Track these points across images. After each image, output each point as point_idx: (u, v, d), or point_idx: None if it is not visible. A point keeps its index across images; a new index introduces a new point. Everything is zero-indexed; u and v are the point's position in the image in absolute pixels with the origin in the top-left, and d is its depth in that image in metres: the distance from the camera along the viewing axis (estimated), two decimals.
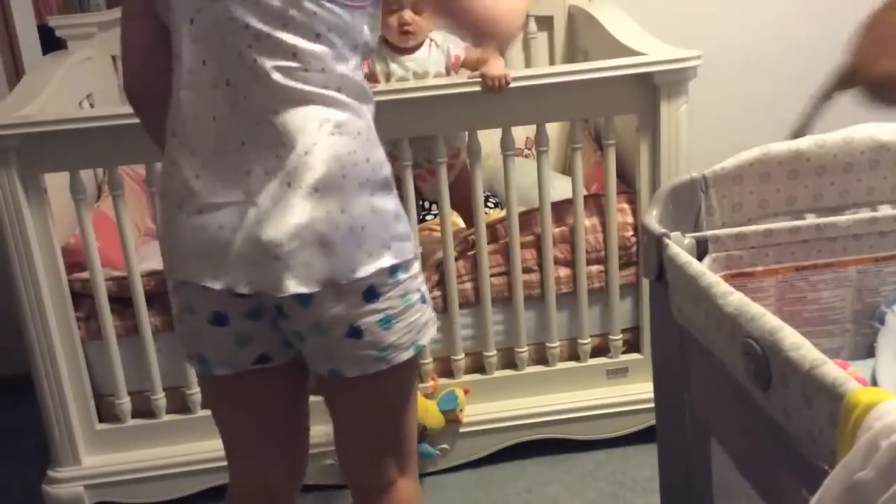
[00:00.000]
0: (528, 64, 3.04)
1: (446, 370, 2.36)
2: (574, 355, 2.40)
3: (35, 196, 2.08)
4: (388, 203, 1.36)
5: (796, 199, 1.61)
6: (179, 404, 2.30)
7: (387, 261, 1.34)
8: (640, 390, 2.33)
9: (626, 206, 2.31)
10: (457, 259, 2.29)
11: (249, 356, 1.42)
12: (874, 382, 1.55)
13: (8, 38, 2.82)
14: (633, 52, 2.22)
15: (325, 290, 1.31)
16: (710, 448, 1.34)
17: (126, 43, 1.45)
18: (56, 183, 2.15)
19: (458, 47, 2.41)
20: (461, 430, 2.34)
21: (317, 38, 1.31)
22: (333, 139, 1.31)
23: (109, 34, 2.75)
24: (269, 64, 1.29)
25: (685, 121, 2.17)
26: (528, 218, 2.31)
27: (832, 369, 0.95)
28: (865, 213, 1.60)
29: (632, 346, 2.41)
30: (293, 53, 1.30)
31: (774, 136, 1.65)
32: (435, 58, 2.36)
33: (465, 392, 2.33)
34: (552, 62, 3.03)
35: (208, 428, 2.20)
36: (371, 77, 2.29)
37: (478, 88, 2.08)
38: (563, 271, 2.32)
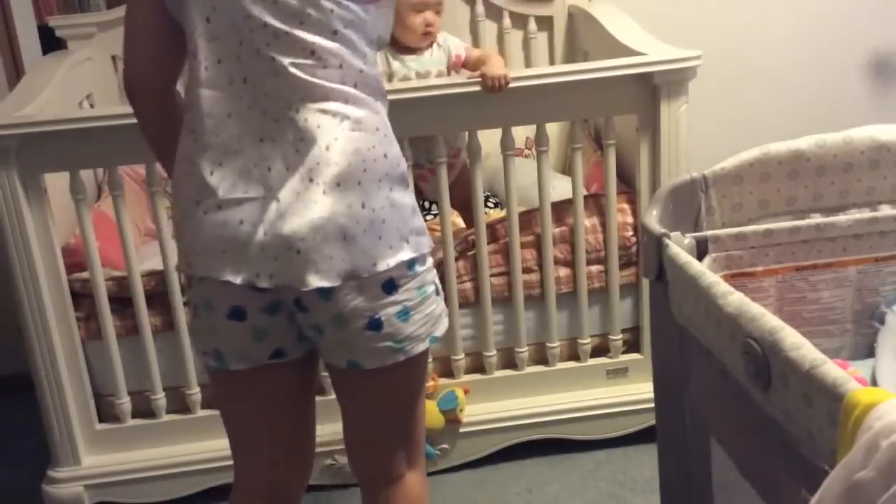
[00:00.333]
0: (528, 64, 3.03)
1: (446, 370, 2.35)
2: (574, 355, 2.40)
3: (35, 196, 2.08)
4: (406, 198, 1.39)
5: (796, 199, 1.61)
6: (179, 404, 2.30)
7: (406, 254, 1.36)
8: (640, 390, 2.33)
9: (626, 206, 2.31)
10: (457, 259, 2.29)
11: (265, 351, 1.44)
12: (874, 382, 1.55)
13: (8, 38, 2.82)
14: (633, 52, 2.22)
15: (345, 283, 1.33)
16: (710, 448, 1.34)
17: (129, 34, 1.45)
18: (56, 183, 2.15)
19: (458, 47, 2.41)
20: (461, 430, 2.34)
21: (334, 34, 1.32)
22: (354, 135, 1.33)
23: (109, 34, 2.75)
24: (287, 61, 1.31)
25: (685, 121, 2.17)
26: (528, 218, 2.31)
27: (832, 369, 0.95)
28: (865, 213, 1.60)
29: (632, 346, 2.41)
30: (311, 51, 1.31)
31: (774, 135, 1.65)
32: (437, 58, 2.37)
33: (465, 392, 2.33)
34: (552, 62, 3.03)
35: (208, 428, 2.23)
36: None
37: (478, 88, 2.08)
38: (563, 271, 2.32)
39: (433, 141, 2.16)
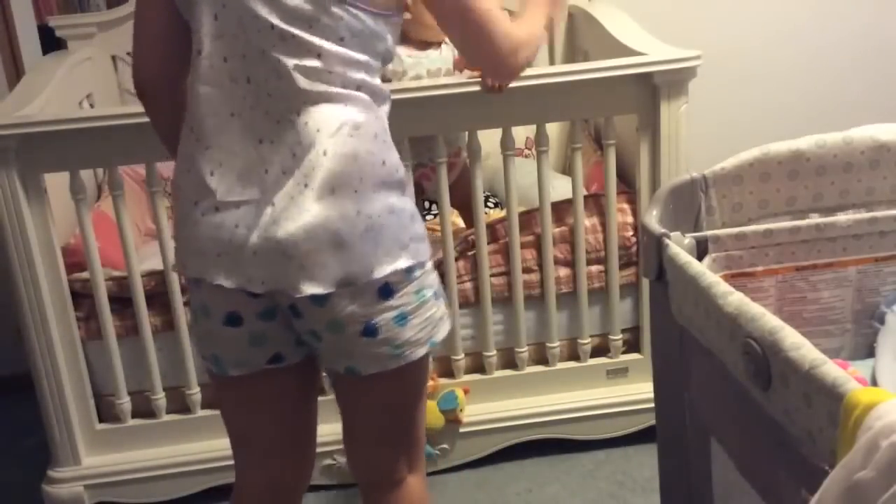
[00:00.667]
0: None
1: (446, 370, 2.35)
2: (574, 355, 2.40)
3: (35, 196, 2.08)
4: (405, 204, 1.38)
5: (796, 199, 1.61)
6: (179, 404, 2.30)
7: (404, 262, 1.35)
8: (640, 390, 2.33)
9: (626, 206, 2.31)
10: (457, 259, 2.29)
11: (263, 356, 1.43)
12: (874, 382, 1.55)
13: (8, 38, 2.82)
14: (633, 52, 2.22)
15: (340, 290, 1.32)
16: (710, 448, 1.34)
17: (139, 30, 1.45)
18: (56, 183, 2.15)
19: None
20: (461, 430, 2.34)
21: (340, 41, 1.32)
22: (352, 140, 1.32)
23: (109, 34, 2.75)
24: (291, 63, 1.30)
25: (685, 121, 2.17)
26: (528, 218, 2.31)
27: (832, 369, 0.95)
28: (865, 213, 1.60)
29: (632, 346, 2.41)
30: (318, 54, 1.31)
31: (774, 135, 1.65)
32: (445, 55, 2.37)
33: (465, 392, 2.33)
34: (552, 62, 3.03)
35: (208, 428, 2.23)
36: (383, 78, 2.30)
37: (478, 88, 2.08)
38: (563, 271, 2.32)
39: (433, 141, 2.16)
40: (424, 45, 2.36)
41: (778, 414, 1.05)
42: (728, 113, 3.05)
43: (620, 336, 2.37)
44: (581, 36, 2.91)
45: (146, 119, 1.54)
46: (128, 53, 1.61)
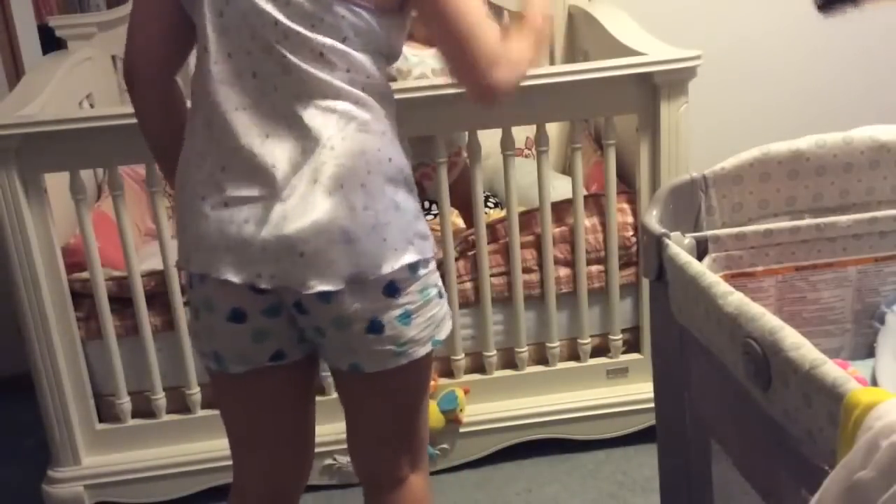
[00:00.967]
0: None
1: (446, 370, 2.35)
2: (574, 355, 2.40)
3: (35, 196, 2.08)
4: (410, 201, 1.39)
5: (796, 199, 1.61)
6: (179, 404, 2.30)
7: (410, 257, 1.36)
8: (640, 390, 2.33)
9: (626, 206, 2.31)
10: (457, 259, 2.29)
11: (265, 353, 1.43)
12: (874, 382, 1.55)
13: (8, 38, 2.82)
14: (633, 52, 2.22)
15: (347, 286, 1.32)
16: (710, 448, 1.34)
17: (135, 26, 1.44)
18: (56, 183, 2.15)
19: None
20: (461, 430, 2.34)
21: (344, 40, 1.32)
22: (360, 136, 1.33)
23: (109, 34, 2.75)
24: (297, 59, 1.31)
25: (685, 121, 2.17)
26: (528, 218, 2.31)
27: (832, 369, 0.95)
28: (865, 213, 1.60)
29: (632, 346, 2.41)
30: (320, 52, 1.31)
31: (774, 135, 1.65)
32: None
33: (465, 392, 2.33)
34: (552, 62, 3.03)
35: (208, 428, 2.23)
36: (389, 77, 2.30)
37: None
38: (563, 271, 2.32)
39: (433, 141, 2.16)
40: (429, 42, 2.36)
41: (778, 414, 1.05)
42: (728, 113, 3.05)
43: (620, 336, 2.37)
44: (581, 36, 2.91)
45: None
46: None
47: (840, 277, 1.61)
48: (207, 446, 2.26)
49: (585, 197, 2.30)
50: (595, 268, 2.33)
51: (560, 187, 2.45)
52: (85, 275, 2.19)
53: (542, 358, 2.39)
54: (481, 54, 1.33)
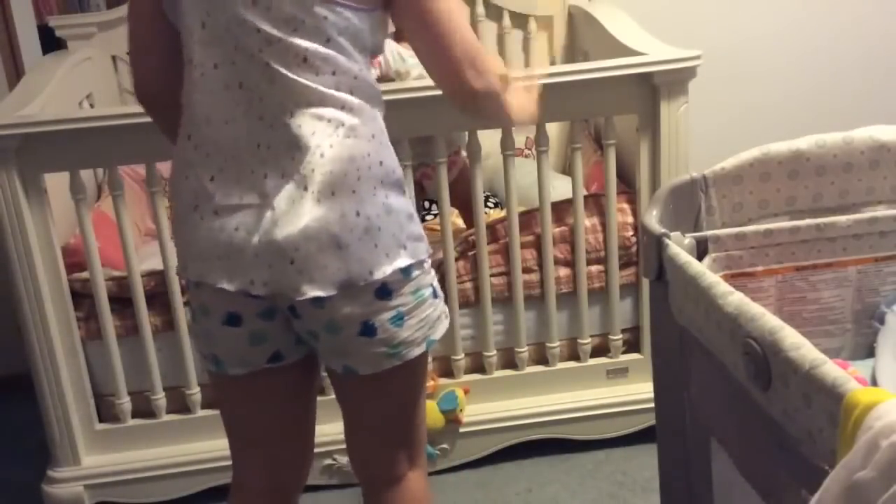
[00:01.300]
0: (528, 64, 3.03)
1: (446, 370, 2.35)
2: (574, 355, 2.40)
3: (35, 196, 2.08)
4: (402, 204, 1.38)
5: (796, 199, 1.61)
6: (179, 404, 2.30)
7: (403, 261, 1.35)
8: (640, 390, 2.33)
9: (626, 206, 2.31)
10: (457, 259, 2.29)
11: (263, 355, 1.44)
12: (874, 382, 1.55)
13: (8, 38, 2.82)
14: (633, 52, 2.22)
15: (339, 291, 1.32)
16: (710, 448, 1.34)
17: (134, 45, 1.45)
18: (56, 183, 2.15)
19: None
20: (461, 430, 2.34)
21: (327, 42, 1.32)
22: (349, 141, 1.32)
23: (109, 34, 2.75)
24: (280, 66, 1.30)
25: (685, 121, 2.17)
26: (528, 218, 2.31)
27: (832, 369, 0.95)
28: (865, 213, 1.60)
29: (632, 346, 2.41)
30: (304, 58, 1.31)
31: (774, 135, 1.65)
32: None
33: (465, 392, 2.33)
34: (552, 62, 3.03)
35: (208, 428, 2.23)
36: (382, 77, 2.29)
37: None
38: (563, 271, 2.32)
39: (433, 141, 2.16)
40: (409, 41, 2.36)
41: (778, 414, 1.05)
42: (728, 113, 3.05)
43: (620, 336, 2.37)
44: (581, 36, 2.91)
45: (146, 119, 1.55)
46: (128, 53, 1.61)
47: (840, 277, 1.61)
48: (207, 446, 2.26)
49: (585, 197, 2.30)
50: (595, 268, 2.33)
51: (560, 187, 2.45)
52: (85, 275, 2.19)
53: (542, 358, 2.39)
54: (463, 52, 1.35)
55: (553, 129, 2.81)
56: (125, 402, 2.27)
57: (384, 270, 1.33)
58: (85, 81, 2.60)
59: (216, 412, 1.66)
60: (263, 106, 1.32)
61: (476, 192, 2.21)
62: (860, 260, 1.60)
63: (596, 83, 2.13)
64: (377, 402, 1.48)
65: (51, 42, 2.79)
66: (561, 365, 2.38)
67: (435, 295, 1.44)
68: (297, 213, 1.30)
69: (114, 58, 2.81)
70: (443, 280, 2.27)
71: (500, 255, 2.31)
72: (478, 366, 2.38)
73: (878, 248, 1.60)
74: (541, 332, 2.36)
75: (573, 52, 2.99)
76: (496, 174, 2.62)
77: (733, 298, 1.15)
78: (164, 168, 2.20)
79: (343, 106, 1.33)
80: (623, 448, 2.37)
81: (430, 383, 2.31)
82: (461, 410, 2.30)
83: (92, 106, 2.60)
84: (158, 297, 2.23)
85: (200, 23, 1.33)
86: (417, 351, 1.42)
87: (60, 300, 2.16)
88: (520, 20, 3.01)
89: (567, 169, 2.83)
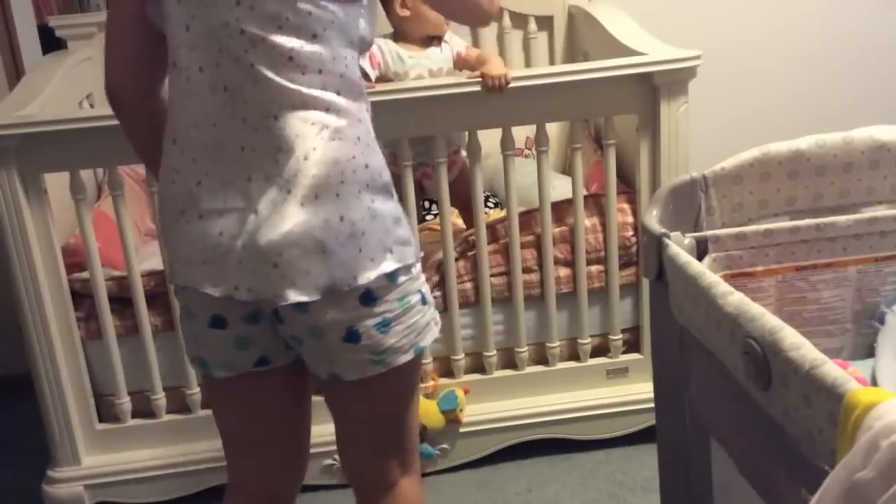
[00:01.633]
0: (528, 64, 3.04)
1: (446, 370, 2.36)
2: (574, 355, 2.40)
3: (35, 196, 2.08)
4: (388, 208, 1.36)
5: (796, 199, 1.61)
6: (179, 404, 2.30)
7: (388, 266, 1.33)
8: (640, 390, 2.33)
9: (626, 206, 2.31)
10: (457, 259, 2.29)
11: (249, 359, 1.42)
12: (874, 382, 1.55)
13: (8, 38, 2.82)
14: (633, 52, 2.22)
15: (322, 297, 1.31)
16: (710, 448, 1.34)
17: (111, 46, 1.44)
18: (56, 183, 2.15)
19: (460, 45, 2.41)
20: (461, 430, 2.34)
21: (313, 38, 1.30)
22: (334, 144, 1.30)
23: None
24: (266, 68, 1.29)
25: (685, 121, 2.17)
26: (528, 218, 2.31)
27: (832, 369, 0.95)
28: (865, 213, 1.60)
29: (632, 346, 2.41)
30: (289, 57, 1.29)
31: (774, 136, 1.65)
32: (446, 55, 2.38)
33: (465, 392, 2.33)
34: (552, 62, 3.03)
35: (208, 428, 2.21)
36: (382, 78, 2.30)
37: (478, 88, 2.08)
38: (563, 271, 2.32)
39: (433, 141, 2.16)
40: (425, 42, 2.36)
41: (778, 414, 1.05)
42: (728, 113, 3.05)
43: (620, 336, 2.37)
44: (581, 36, 2.91)
45: None
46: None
47: (840, 277, 1.61)
48: (207, 446, 2.25)
49: (585, 197, 2.30)
50: (595, 268, 2.33)
51: (560, 187, 2.45)
52: (85, 275, 2.19)
53: (542, 358, 2.39)
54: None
55: (553, 129, 2.81)
56: (125, 402, 2.27)
57: (368, 276, 1.31)
58: (85, 81, 2.60)
59: None
60: (247, 108, 1.30)
61: (476, 192, 2.21)
62: (860, 260, 1.60)
63: (596, 83, 2.13)
64: (365, 409, 1.46)
65: (51, 42, 2.79)
66: (561, 365, 2.38)
67: (424, 301, 1.41)
68: (280, 217, 1.28)
69: None
70: (443, 280, 2.28)
71: (500, 255, 2.31)
72: (478, 366, 2.38)
73: (878, 248, 1.60)
74: (541, 332, 2.36)
75: (573, 52, 2.99)
76: (496, 174, 2.62)
77: (733, 298, 1.15)
78: None
79: (328, 108, 1.31)
80: (623, 448, 2.37)
81: (430, 383, 2.32)
82: (461, 410, 2.30)
83: (92, 106, 2.60)
84: (158, 296, 2.23)
85: (185, 26, 1.32)
86: (405, 358, 1.39)
87: (60, 300, 2.16)
88: (520, 20, 3.01)
89: (567, 169, 2.83)
